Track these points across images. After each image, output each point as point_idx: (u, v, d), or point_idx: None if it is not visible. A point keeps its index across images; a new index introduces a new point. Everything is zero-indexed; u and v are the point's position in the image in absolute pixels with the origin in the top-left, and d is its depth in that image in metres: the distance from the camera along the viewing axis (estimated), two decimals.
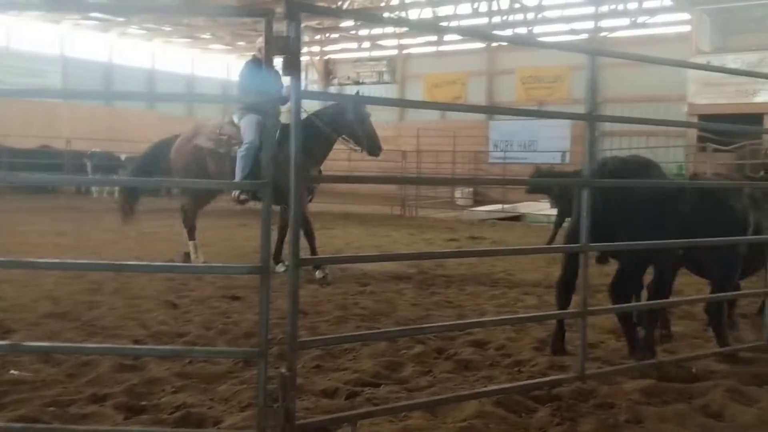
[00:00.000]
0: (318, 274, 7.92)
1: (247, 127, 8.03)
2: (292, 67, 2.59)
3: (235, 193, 8.32)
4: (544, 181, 13.15)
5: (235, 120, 8.38)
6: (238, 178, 7.87)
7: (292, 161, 2.69)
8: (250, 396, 3.68)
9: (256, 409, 2.85)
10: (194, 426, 3.41)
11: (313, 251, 8.04)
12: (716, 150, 16.79)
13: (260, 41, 7.95)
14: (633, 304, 4.90)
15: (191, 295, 6.71)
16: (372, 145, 8.36)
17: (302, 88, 2.76)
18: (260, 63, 7.98)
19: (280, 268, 7.92)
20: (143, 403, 3.70)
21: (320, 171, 8.66)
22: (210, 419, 3.48)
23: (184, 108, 32.54)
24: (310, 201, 8.73)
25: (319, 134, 8.17)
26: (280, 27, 2.71)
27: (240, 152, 7.95)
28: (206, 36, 30.79)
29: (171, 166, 8.72)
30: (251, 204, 8.67)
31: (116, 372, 4.17)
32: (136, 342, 4.93)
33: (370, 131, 8.35)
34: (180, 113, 32.07)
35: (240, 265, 6.80)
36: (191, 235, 8.74)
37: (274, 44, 2.59)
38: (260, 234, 2.77)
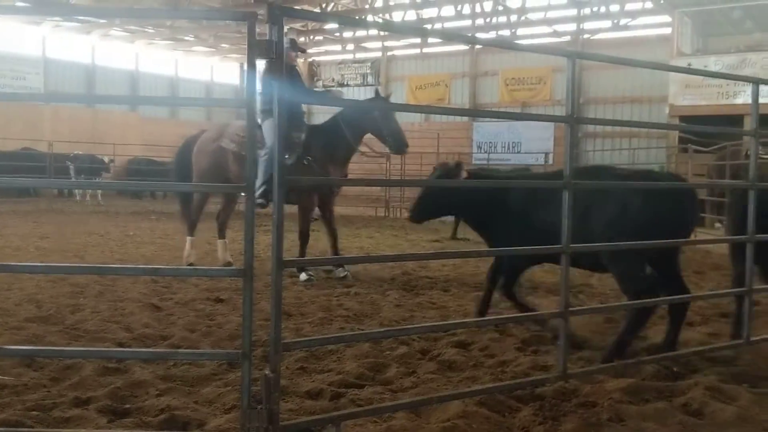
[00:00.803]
0: (339, 272, 8.20)
1: (268, 131, 7.85)
2: (275, 69, 2.60)
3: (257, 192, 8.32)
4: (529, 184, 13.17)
5: (258, 122, 8.15)
6: (259, 182, 7.75)
7: (275, 163, 2.70)
8: (235, 398, 3.68)
9: (240, 411, 2.86)
10: (178, 429, 3.41)
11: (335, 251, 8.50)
12: (697, 151, 16.94)
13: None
14: (614, 304, 4.95)
15: (175, 298, 6.70)
16: (399, 144, 8.23)
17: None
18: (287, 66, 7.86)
19: (303, 276, 7.99)
20: (127, 406, 3.69)
21: (346, 174, 8.79)
22: (194, 422, 3.48)
23: (168, 110, 32.42)
24: (331, 204, 8.76)
25: (342, 135, 8.20)
26: (264, 29, 2.72)
27: (261, 157, 7.83)
28: (189, 38, 30.65)
29: (192, 164, 8.83)
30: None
31: (99, 375, 4.16)
32: (120, 345, 4.92)
33: (395, 129, 8.21)
34: (163, 115, 31.94)
35: (223, 267, 6.81)
36: (191, 231, 8.96)
37: (257, 47, 2.60)
38: (244, 238, 2.77)
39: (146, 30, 28.74)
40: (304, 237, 8.29)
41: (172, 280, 7.47)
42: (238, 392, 3.55)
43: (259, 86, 8.40)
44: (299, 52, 8.93)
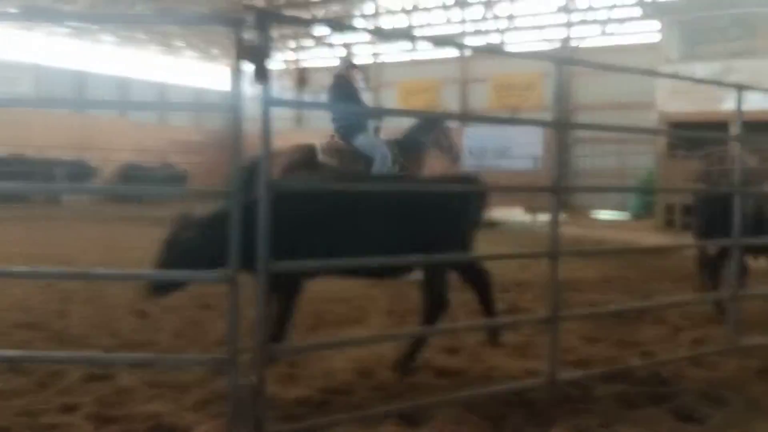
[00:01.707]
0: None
1: (370, 143, 8.44)
2: (262, 75, 2.60)
3: None
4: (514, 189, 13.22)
5: (346, 138, 8.59)
6: None
7: (263, 170, 2.69)
8: (222, 405, 3.65)
9: (226, 418, 2.83)
10: None
11: None
12: (685, 157, 17.03)
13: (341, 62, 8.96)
14: (604, 309, 4.95)
15: (162, 304, 6.64)
16: (455, 153, 9.25)
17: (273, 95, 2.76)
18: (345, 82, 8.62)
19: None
20: (114, 412, 3.66)
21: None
22: (181, 428, 3.45)
23: (158, 116, 32.33)
24: None
25: (421, 149, 8.92)
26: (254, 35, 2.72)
27: (376, 166, 8.34)
28: (180, 44, 30.62)
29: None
30: None
31: (86, 381, 4.12)
32: (107, 351, 4.88)
33: (452, 140, 9.21)
34: (153, 121, 31.85)
35: (209, 272, 6.71)
36: None
37: (244, 52, 2.59)
38: (230, 241, 2.76)
39: (136, 36, 28.71)
40: None
41: None
42: (225, 399, 3.53)
43: (331, 102, 8.94)
44: (357, 70, 9.25)
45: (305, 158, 8.63)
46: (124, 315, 6.09)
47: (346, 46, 31.81)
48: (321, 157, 8.70)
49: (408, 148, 8.82)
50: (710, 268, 6.72)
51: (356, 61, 9.39)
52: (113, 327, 5.62)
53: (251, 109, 2.58)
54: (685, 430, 3.54)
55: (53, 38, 28.45)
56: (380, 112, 9.60)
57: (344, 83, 8.60)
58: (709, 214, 6.41)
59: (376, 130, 8.89)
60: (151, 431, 3.41)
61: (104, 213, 18.26)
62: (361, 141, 8.41)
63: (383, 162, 8.33)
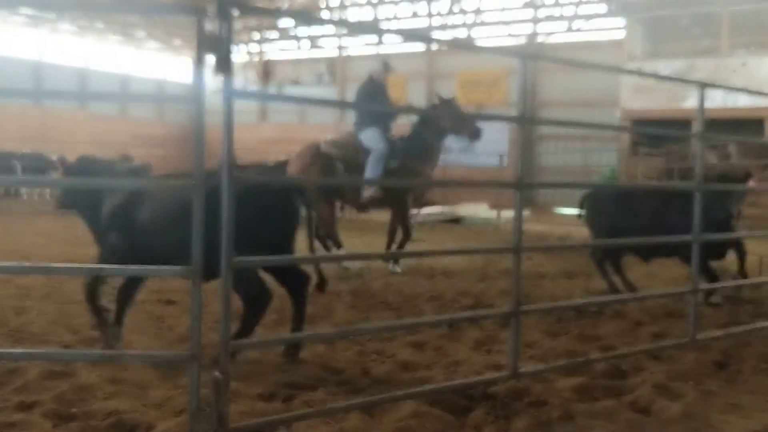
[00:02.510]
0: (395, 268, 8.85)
1: (372, 138, 8.83)
2: (224, 66, 2.56)
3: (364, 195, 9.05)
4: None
5: (356, 132, 9.07)
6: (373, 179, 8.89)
7: (224, 162, 2.66)
8: (184, 401, 3.61)
9: (189, 414, 2.80)
10: None
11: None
12: (647, 154, 17.32)
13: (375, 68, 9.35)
14: (565, 303, 5.01)
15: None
16: (473, 131, 9.31)
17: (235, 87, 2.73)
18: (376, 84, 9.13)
19: (396, 268, 8.81)
20: (73, 410, 3.59)
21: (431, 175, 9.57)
22: (143, 425, 3.40)
23: (118, 108, 31.80)
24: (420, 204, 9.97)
25: (428, 143, 9.17)
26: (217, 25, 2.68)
27: (370, 160, 8.74)
28: (141, 34, 30.15)
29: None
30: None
31: (45, 379, 4.04)
32: (66, 348, 4.79)
33: (465, 116, 9.59)
34: (113, 113, 31.33)
35: (170, 267, 6.65)
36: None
37: (206, 43, 2.55)
38: (193, 237, 2.73)
39: (96, 26, 28.19)
40: (406, 234, 9.23)
41: (121, 281, 7.31)
42: (187, 395, 3.49)
43: (357, 99, 9.43)
44: (389, 71, 9.65)
45: (313, 153, 9.00)
46: (84, 311, 5.98)
47: (312, 38, 31.67)
48: (323, 147, 9.10)
49: (413, 145, 9.11)
50: (602, 264, 7.01)
51: (391, 65, 9.71)
52: (73, 323, 5.52)
53: (214, 101, 2.54)
54: (643, 422, 3.60)
55: (8, 27, 27.79)
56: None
57: (374, 83, 9.12)
58: (611, 212, 6.66)
59: (387, 126, 9.15)
60: (112, 428, 3.35)
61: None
62: (365, 135, 8.90)
63: (378, 156, 8.73)
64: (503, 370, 4.16)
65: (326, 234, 9.03)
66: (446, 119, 9.13)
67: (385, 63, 9.56)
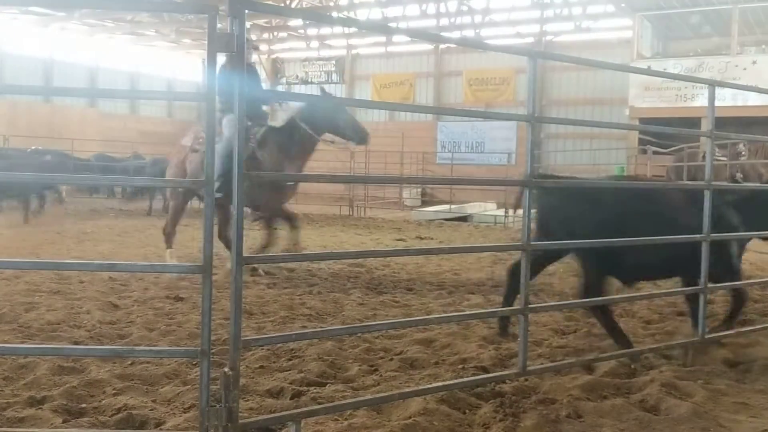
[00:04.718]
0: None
1: (226, 125, 7.85)
2: (236, 64, 2.57)
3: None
4: (494, 182, 13.28)
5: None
6: (216, 174, 7.78)
7: (234, 158, 2.67)
8: (194, 397, 3.64)
9: (198, 410, 2.82)
10: (136, 428, 3.36)
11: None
12: (656, 152, 17.25)
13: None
14: (573, 302, 4.99)
15: (133, 296, 6.60)
16: (359, 135, 8.39)
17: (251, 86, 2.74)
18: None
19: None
20: (83, 405, 3.62)
21: (302, 171, 8.59)
22: (152, 421, 3.42)
23: (128, 106, 31.90)
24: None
25: (300, 135, 8.18)
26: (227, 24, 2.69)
27: (217, 150, 7.81)
28: (150, 33, 30.20)
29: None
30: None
31: (55, 374, 4.07)
32: (76, 344, 4.81)
33: (350, 121, 8.41)
34: (123, 111, 31.41)
35: (181, 264, 6.73)
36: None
37: (218, 41, 2.56)
38: (203, 234, 2.74)
39: (106, 24, 28.25)
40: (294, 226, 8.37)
41: (130, 278, 7.36)
42: (197, 391, 3.50)
43: (218, 82, 8.43)
44: (253, 49, 8.94)
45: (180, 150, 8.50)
46: (94, 307, 6.02)
47: (321, 37, 31.68)
48: (183, 140, 8.70)
49: (281, 135, 8.22)
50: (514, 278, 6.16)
51: (252, 40, 8.90)
52: (83, 319, 5.55)
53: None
54: (652, 420, 3.59)
55: (19, 26, 27.89)
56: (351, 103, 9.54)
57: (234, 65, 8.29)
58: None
59: (262, 113, 8.51)
60: (122, 424, 3.37)
61: (74, 204, 18.00)
62: (224, 122, 7.87)
63: (223, 146, 7.56)
64: (512, 368, 4.17)
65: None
66: (326, 117, 8.24)
67: (247, 38, 8.80)
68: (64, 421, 3.40)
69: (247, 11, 2.68)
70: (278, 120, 8.72)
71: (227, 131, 7.79)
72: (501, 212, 17.42)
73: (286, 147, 8.22)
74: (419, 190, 26.26)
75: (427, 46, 29.26)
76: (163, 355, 4.31)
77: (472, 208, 19.29)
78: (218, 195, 8.20)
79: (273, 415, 3.21)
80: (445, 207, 19.52)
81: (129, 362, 4.35)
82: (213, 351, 3.88)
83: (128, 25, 27.88)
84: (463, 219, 18.00)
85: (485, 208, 19.62)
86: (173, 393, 3.82)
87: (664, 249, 4.68)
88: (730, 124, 14.97)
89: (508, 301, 5.20)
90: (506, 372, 4.05)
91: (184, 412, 3.52)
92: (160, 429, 3.33)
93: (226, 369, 2.72)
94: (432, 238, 13.15)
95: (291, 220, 8.41)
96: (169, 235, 8.48)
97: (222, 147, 7.62)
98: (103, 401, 3.68)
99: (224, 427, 2.70)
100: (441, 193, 25.16)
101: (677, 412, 3.68)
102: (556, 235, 4.75)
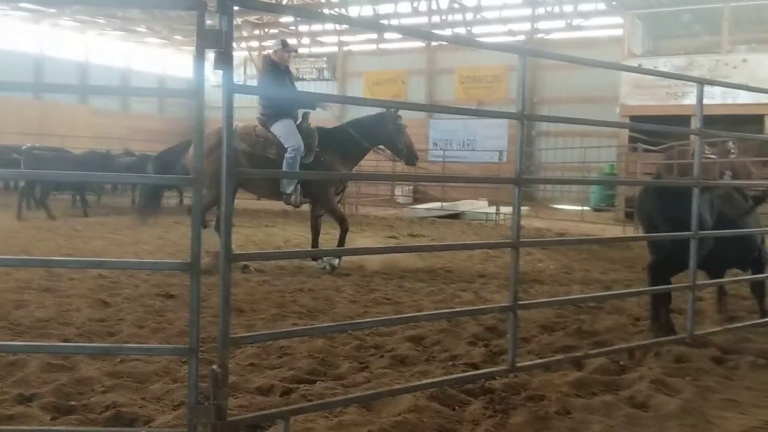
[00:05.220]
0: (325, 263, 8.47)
1: (286, 133, 8.34)
2: (224, 61, 2.57)
3: (291, 197, 8.63)
4: (480, 179, 13.26)
5: (265, 124, 8.57)
6: (290, 186, 8.47)
7: (223, 157, 2.66)
8: (183, 394, 3.62)
9: (187, 407, 2.81)
10: (125, 425, 3.35)
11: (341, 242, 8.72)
12: (646, 150, 17.30)
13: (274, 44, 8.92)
14: (563, 298, 5.00)
15: (124, 293, 6.58)
16: (410, 156, 8.88)
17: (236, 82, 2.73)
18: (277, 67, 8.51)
19: (320, 264, 8.46)
20: (72, 403, 3.61)
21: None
22: (141, 418, 3.42)
23: (119, 102, 31.79)
24: (340, 201, 9.39)
25: (352, 142, 8.69)
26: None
27: (287, 157, 8.27)
28: (141, 29, 30.09)
29: (193, 168, 8.79)
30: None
31: (44, 372, 4.06)
32: (66, 341, 4.79)
33: (408, 142, 8.88)
34: (114, 107, 31.30)
35: (169, 261, 6.71)
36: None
37: (206, 37, 2.55)
38: (191, 231, 2.73)
39: (97, 20, 28.12)
40: (343, 227, 8.71)
41: (121, 275, 7.33)
42: (186, 388, 3.50)
43: (260, 87, 8.79)
44: (292, 53, 9.12)
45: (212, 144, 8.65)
46: (84, 305, 6.00)
47: (313, 34, 31.64)
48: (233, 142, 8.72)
49: (335, 141, 8.69)
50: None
51: (291, 44, 9.19)
52: (72, 317, 5.53)
53: (213, 96, 2.55)
54: (641, 417, 3.61)
55: (9, 22, 27.73)
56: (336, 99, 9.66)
57: (277, 67, 8.50)
58: None
59: (305, 117, 8.74)
60: (111, 422, 3.36)
61: (64, 201, 17.91)
62: (276, 128, 8.41)
63: (294, 157, 8.26)
64: (501, 365, 4.18)
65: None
66: (385, 132, 8.78)
67: (284, 42, 8.92)
68: (52, 419, 3.38)
69: (236, 8, 2.68)
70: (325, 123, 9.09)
71: (291, 138, 8.29)
72: (492, 209, 17.45)
73: (342, 152, 8.70)
74: (411, 187, 26.27)
75: (419, 44, 29.27)
76: (152, 352, 4.29)
77: (464, 205, 19.31)
78: (292, 201, 8.52)
79: (262, 413, 3.21)
80: (437, 204, 19.53)
81: (118, 360, 4.34)
82: (203, 348, 3.87)
83: (119, 21, 27.76)
84: (455, 216, 18.01)
85: (477, 205, 19.65)
86: (163, 390, 3.81)
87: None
88: (720, 122, 15.02)
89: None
90: (496, 368, 4.06)
91: (174, 410, 3.51)
92: (149, 426, 3.33)
93: (214, 366, 2.72)
94: (424, 236, 13.16)
95: (341, 221, 8.79)
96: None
97: (293, 154, 8.27)
98: (92, 399, 3.67)
99: (213, 424, 2.70)
100: (433, 191, 25.18)
101: (666, 409, 3.69)
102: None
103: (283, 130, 8.36)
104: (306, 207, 9.09)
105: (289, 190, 8.49)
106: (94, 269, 7.45)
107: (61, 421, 3.37)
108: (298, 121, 8.60)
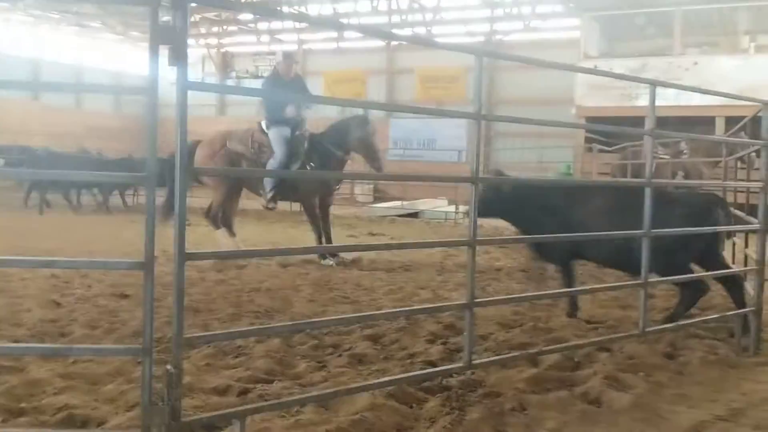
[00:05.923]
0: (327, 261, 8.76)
1: (276, 141, 8.76)
2: (178, 57, 2.53)
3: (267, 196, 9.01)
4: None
5: (264, 128, 8.99)
6: (269, 187, 8.88)
7: (177, 157, 2.63)
8: (137, 395, 3.56)
9: (141, 408, 2.78)
10: (77, 427, 3.29)
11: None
12: (601, 151, 17.60)
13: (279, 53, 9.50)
14: (520, 295, 5.06)
15: (77, 294, 6.45)
16: (379, 164, 9.18)
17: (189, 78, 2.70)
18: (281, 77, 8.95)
19: (329, 261, 8.72)
20: (22, 405, 3.52)
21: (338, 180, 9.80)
22: (94, 420, 3.36)
23: (73, 99, 31.16)
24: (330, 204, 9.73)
25: (330, 156, 8.95)
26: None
27: (269, 162, 8.68)
28: (96, 24, 29.55)
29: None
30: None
31: None
32: (16, 342, 4.68)
33: (376, 149, 9.22)
34: (68, 104, 30.68)
35: (122, 260, 6.59)
36: (230, 231, 9.32)
37: (160, 33, 2.52)
38: (145, 230, 2.70)
39: (50, 15, 27.54)
40: (317, 230, 9.18)
41: (74, 275, 7.20)
42: (140, 390, 3.45)
43: (264, 93, 9.37)
44: (294, 63, 9.49)
45: (217, 148, 8.88)
46: (35, 305, 5.87)
47: (272, 31, 31.45)
48: (229, 144, 9.03)
49: (320, 148, 8.98)
50: None
51: (294, 56, 9.84)
52: (23, 318, 5.41)
53: (169, 93, 2.51)
54: (594, 413, 3.67)
55: None
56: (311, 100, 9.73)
57: (279, 77, 8.98)
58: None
59: (301, 122, 9.04)
60: (63, 424, 3.30)
61: (13, 199, 17.48)
62: (270, 134, 8.84)
63: (277, 165, 8.66)
64: (458, 362, 4.21)
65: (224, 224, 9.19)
66: (354, 140, 9.03)
67: (285, 54, 9.40)
68: (3, 421, 3.30)
69: (192, 4, 2.65)
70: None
71: (278, 148, 8.67)
72: (452, 209, 17.57)
73: (326, 160, 8.97)
74: (371, 186, 26.30)
75: (379, 43, 29.32)
76: (105, 353, 4.22)
77: (423, 204, 19.41)
78: (271, 206, 9.14)
79: (216, 413, 3.18)
80: (398, 203, 19.60)
81: (71, 361, 4.25)
82: (158, 349, 3.82)
83: (73, 16, 27.22)
84: (415, 215, 18.09)
85: (436, 204, 19.77)
86: (116, 392, 3.75)
87: None
88: (672, 123, 15.35)
89: None
90: (453, 366, 4.08)
91: (127, 411, 3.46)
92: (102, 428, 3.27)
93: (168, 366, 2.69)
94: (384, 234, 13.19)
95: (316, 229, 9.19)
96: (214, 218, 9.10)
97: (275, 165, 8.65)
98: (44, 401, 3.59)
99: (167, 425, 2.67)
100: (393, 190, 25.23)
101: (619, 404, 3.76)
102: None
103: (274, 137, 8.80)
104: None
105: (267, 190, 8.90)
106: (45, 269, 7.30)
107: (11, 423, 3.29)
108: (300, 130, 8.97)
